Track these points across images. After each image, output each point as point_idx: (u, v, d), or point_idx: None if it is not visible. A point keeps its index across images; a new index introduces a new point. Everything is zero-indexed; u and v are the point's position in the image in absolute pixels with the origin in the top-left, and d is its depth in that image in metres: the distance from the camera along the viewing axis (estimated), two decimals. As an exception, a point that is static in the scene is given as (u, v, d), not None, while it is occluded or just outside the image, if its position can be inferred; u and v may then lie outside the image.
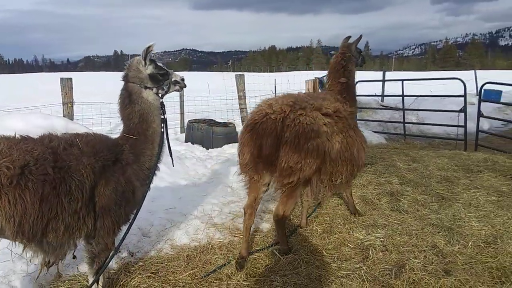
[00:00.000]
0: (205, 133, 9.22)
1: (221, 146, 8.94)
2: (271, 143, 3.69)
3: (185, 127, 10.36)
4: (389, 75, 12.48)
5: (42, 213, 2.60)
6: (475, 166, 6.92)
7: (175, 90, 3.36)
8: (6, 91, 35.31)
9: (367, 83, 13.04)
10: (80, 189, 2.76)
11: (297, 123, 3.66)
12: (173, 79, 3.25)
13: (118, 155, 3.07)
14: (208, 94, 21.22)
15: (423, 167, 6.98)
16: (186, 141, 9.53)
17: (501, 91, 16.41)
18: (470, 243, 4.10)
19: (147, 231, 4.64)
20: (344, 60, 4.93)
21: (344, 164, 4.05)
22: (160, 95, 3.21)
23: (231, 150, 8.57)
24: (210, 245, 4.31)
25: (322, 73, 14.30)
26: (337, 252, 4.11)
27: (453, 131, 11.35)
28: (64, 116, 8.99)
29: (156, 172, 3.33)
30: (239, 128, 10.74)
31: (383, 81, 15.81)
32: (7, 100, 22.89)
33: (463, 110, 9.42)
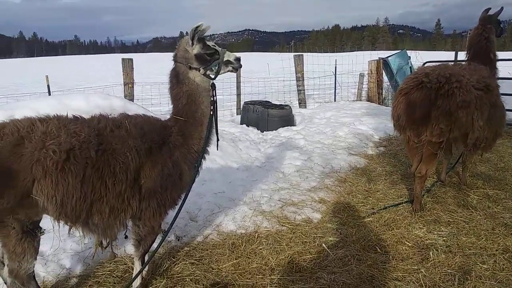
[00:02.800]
0: (260, 115, 9.04)
1: (276, 129, 8.72)
2: (423, 108, 4.18)
3: (241, 109, 10.26)
4: (462, 55, 11.37)
5: (85, 194, 2.60)
6: (561, 159, 6.11)
7: (229, 71, 3.12)
8: (82, 71, 37.71)
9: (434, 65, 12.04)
10: (125, 171, 2.71)
11: (451, 93, 4.11)
12: (224, 59, 3.02)
13: (166, 138, 2.98)
14: (268, 75, 20.97)
15: (497, 158, 6.28)
16: (241, 123, 9.42)
17: None
18: (552, 249, 3.57)
19: (194, 215, 4.58)
20: (486, 31, 5.14)
21: (489, 130, 4.54)
22: (211, 76, 3.01)
23: (286, 133, 8.32)
24: (257, 234, 4.15)
25: (387, 53, 13.47)
26: (393, 250, 3.76)
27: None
28: (124, 96, 9.25)
29: (206, 155, 3.21)
30: (296, 110, 10.46)
31: (455, 61, 14.57)
32: (80, 81, 24.38)
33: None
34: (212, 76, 3.04)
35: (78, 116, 2.86)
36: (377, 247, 3.80)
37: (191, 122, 3.05)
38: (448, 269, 3.38)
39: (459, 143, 4.74)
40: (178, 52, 3.03)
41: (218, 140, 3.25)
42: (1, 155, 2.44)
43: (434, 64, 10.83)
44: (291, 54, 11.95)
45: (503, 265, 3.39)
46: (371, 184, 5.49)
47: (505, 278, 3.21)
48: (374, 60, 12.29)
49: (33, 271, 2.79)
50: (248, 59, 43.90)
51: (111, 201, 2.71)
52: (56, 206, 2.57)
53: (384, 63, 12.17)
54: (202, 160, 3.18)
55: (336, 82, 13.05)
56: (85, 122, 2.81)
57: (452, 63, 11.00)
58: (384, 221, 4.39)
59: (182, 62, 2.99)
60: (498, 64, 5.34)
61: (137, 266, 3.20)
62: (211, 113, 3.10)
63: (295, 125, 9.23)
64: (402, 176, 5.76)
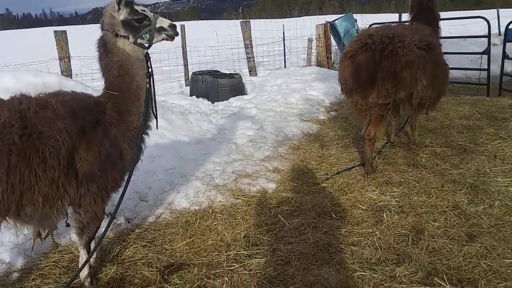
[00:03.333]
0: (210, 85, 8.75)
1: (227, 99, 8.48)
2: (369, 70, 4.13)
3: (189, 80, 9.88)
4: (406, 17, 11.53)
5: (12, 185, 2.32)
6: (500, 114, 6.38)
7: (163, 39, 2.83)
8: (15, 47, 34.97)
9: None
10: (56, 156, 2.44)
11: (395, 53, 4.08)
12: (157, 26, 2.73)
13: (99, 115, 2.71)
14: (217, 44, 20.38)
15: (443, 116, 6.47)
16: (190, 95, 9.09)
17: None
18: (497, 202, 3.70)
19: (144, 195, 4.35)
20: None
21: (432, 89, 4.53)
22: (144, 44, 2.73)
23: (237, 103, 8.12)
24: (211, 209, 4.01)
25: (334, 17, 13.40)
26: (348, 215, 3.76)
27: (474, 75, 10.66)
28: (61, 72, 8.61)
29: (148, 131, 2.96)
30: (246, 79, 10.24)
31: (399, 23, 14.80)
32: (13, 57, 22.57)
33: (487, 51, 8.67)
34: (146, 45, 2.76)
35: None
36: (332, 213, 3.79)
37: (126, 96, 2.78)
38: (401, 230, 3.42)
39: (405, 104, 4.78)
40: (104, 19, 2.74)
41: (156, 117, 2.97)
42: None
43: (378, 25, 10.95)
44: (238, 21, 11.57)
45: (454, 221, 3.47)
46: (324, 150, 5.48)
47: (456, 235, 3.28)
48: (322, 24, 12.20)
49: None
50: (196, 27, 42.53)
51: (44, 189, 2.44)
52: None
53: (331, 27, 12.12)
54: (144, 136, 2.93)
55: (285, 48, 12.89)
56: (4, 104, 2.48)
57: (395, 24, 11.16)
58: (338, 186, 4.39)
59: (108, 30, 2.71)
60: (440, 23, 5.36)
61: (82, 255, 2.99)
62: (148, 86, 2.84)
63: (246, 94, 9.04)
64: (354, 140, 5.80)
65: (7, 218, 2.51)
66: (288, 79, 9.91)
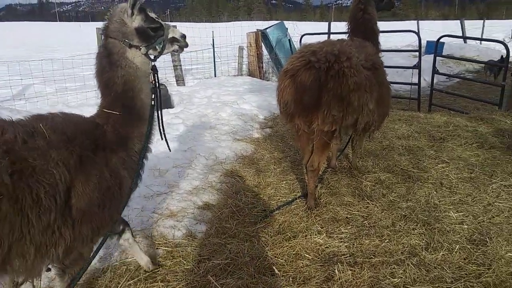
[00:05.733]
0: (131, 97, 7.77)
1: (150, 113, 7.56)
2: (313, 92, 3.59)
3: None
4: (335, 26, 11.49)
5: (1, 238, 1.81)
6: (437, 132, 6.22)
7: (173, 51, 2.66)
8: None
9: (311, 37, 11.73)
10: (52, 195, 1.95)
11: (341, 74, 3.56)
12: (169, 36, 2.52)
13: (98, 141, 2.29)
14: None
15: (381, 135, 6.17)
16: (108, 107, 8.02)
17: (443, 43, 16.14)
18: (457, 246, 3.29)
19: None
20: (362, 3, 4.64)
21: (378, 113, 4.14)
22: (152, 56, 2.47)
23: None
24: (125, 267, 3.18)
25: (263, 24, 13.00)
26: (293, 268, 3.14)
27: (401, 88, 10.82)
28: None
29: (148, 155, 2.60)
30: (173, 89, 9.38)
31: (329, 34, 14.75)
32: None
33: (417, 66, 8.70)
34: (152, 57, 2.48)
35: None
36: (274, 267, 3.15)
37: (128, 116, 2.42)
38: (357, 290, 2.87)
39: (349, 128, 4.31)
40: (111, 24, 2.36)
41: (165, 136, 2.69)
42: None
43: (312, 35, 10.66)
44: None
45: (414, 274, 2.98)
46: (260, 177, 4.85)
47: (419, 294, 2.80)
48: (253, 32, 11.69)
49: None
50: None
51: (37, 238, 1.94)
52: None
53: (263, 36, 11.65)
54: (143, 161, 2.55)
55: (215, 56, 12.18)
56: None
57: (329, 36, 10.96)
58: (279, 226, 3.77)
59: (117, 38, 2.34)
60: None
61: None
62: (153, 102, 2.52)
63: (172, 107, 8.18)
64: (292, 164, 5.25)
65: None
66: (219, 90, 9.23)
